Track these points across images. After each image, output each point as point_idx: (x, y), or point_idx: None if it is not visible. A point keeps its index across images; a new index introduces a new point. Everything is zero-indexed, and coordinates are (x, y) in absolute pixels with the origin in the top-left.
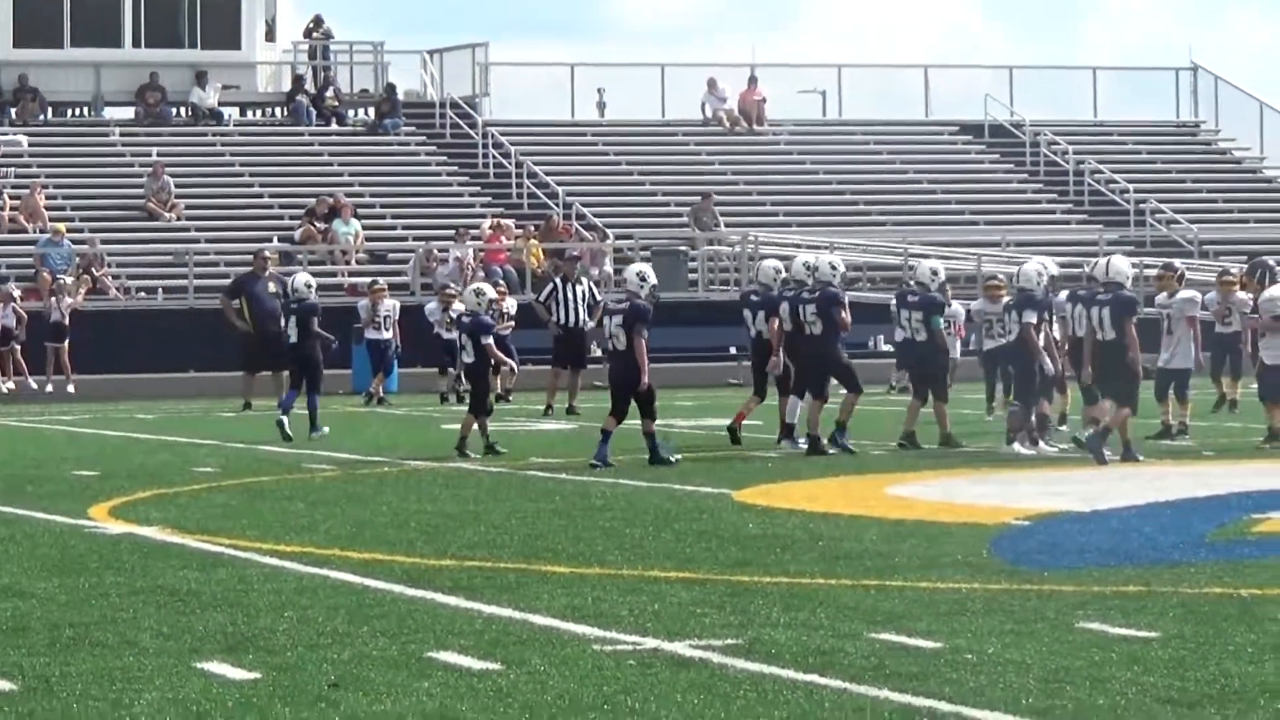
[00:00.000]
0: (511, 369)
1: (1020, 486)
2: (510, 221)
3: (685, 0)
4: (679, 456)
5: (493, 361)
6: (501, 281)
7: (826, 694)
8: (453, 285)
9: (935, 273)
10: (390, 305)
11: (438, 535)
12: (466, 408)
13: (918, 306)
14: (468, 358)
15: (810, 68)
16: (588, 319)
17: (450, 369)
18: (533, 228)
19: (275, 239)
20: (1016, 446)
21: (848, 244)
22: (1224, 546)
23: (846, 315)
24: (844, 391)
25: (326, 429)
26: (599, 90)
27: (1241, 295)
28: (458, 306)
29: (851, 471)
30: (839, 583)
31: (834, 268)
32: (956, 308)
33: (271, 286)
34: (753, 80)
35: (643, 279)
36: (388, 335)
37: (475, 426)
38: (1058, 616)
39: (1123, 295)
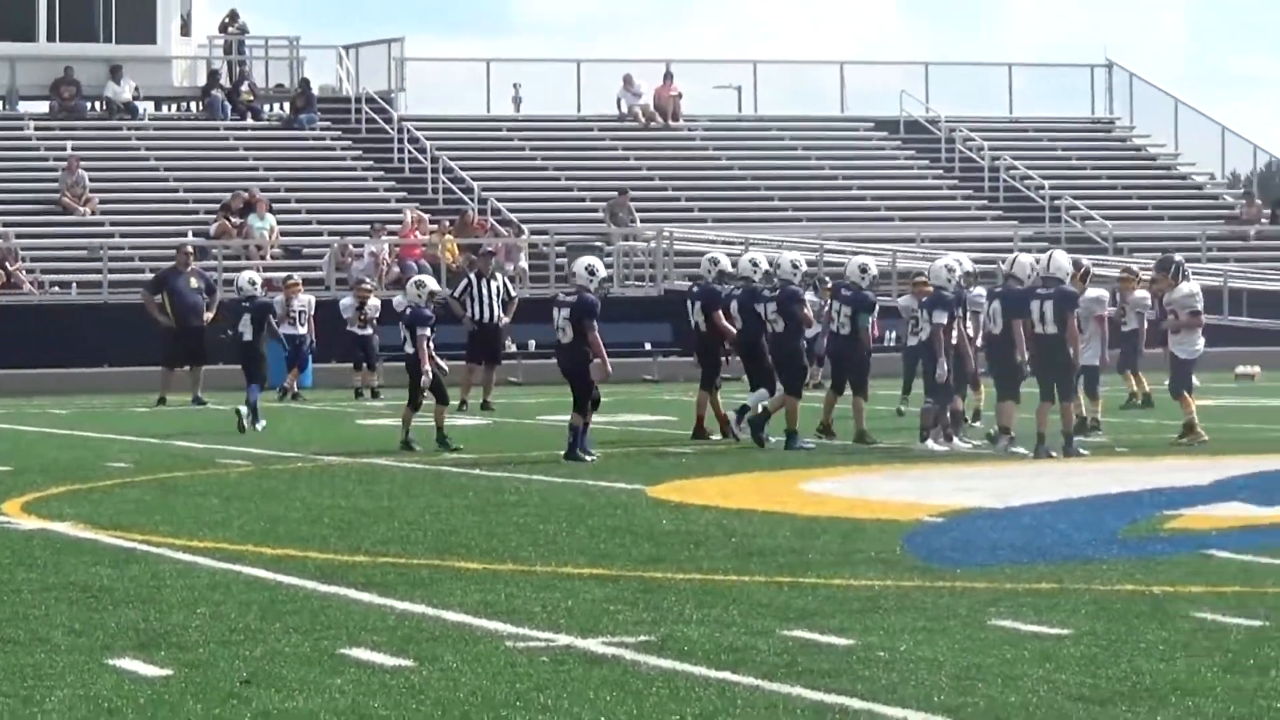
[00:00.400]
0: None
1: (933, 483)
2: (426, 216)
3: None
4: (595, 455)
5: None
6: (365, 280)
7: (739, 691)
8: (368, 281)
9: (864, 269)
10: (305, 300)
11: (351, 531)
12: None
13: (849, 301)
14: (409, 349)
15: (726, 64)
16: (502, 314)
17: (365, 364)
18: (448, 223)
19: (190, 234)
20: (930, 443)
21: (763, 240)
22: (1136, 543)
23: (808, 312)
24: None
25: (265, 422)
26: (515, 86)
27: (1139, 294)
28: (373, 302)
29: (766, 467)
30: (752, 579)
31: (795, 265)
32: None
33: (193, 281)
34: (668, 76)
35: (592, 272)
36: (302, 330)
37: (432, 418)
38: (970, 613)
39: (1065, 290)
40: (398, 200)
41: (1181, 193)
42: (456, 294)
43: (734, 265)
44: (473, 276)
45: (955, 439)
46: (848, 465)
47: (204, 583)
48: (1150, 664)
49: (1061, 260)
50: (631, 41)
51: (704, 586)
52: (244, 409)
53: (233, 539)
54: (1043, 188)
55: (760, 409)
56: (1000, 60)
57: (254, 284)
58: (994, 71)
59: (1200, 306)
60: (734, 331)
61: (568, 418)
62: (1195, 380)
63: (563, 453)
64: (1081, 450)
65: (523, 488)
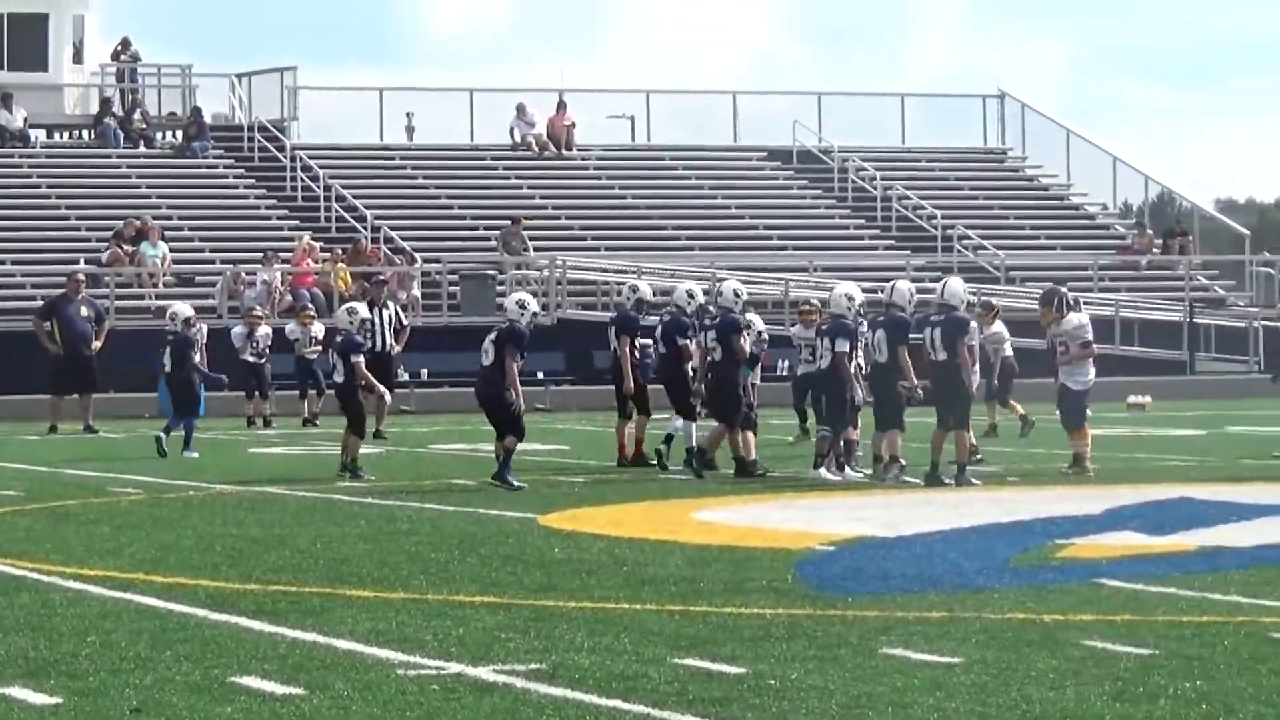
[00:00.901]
0: (381, 395)
1: (825, 512)
2: (318, 245)
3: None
4: (523, 484)
5: (362, 382)
6: (309, 305)
7: (629, 719)
8: (258, 308)
9: (737, 294)
10: (197, 329)
11: (242, 559)
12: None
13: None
14: (338, 377)
15: (619, 93)
16: (394, 343)
17: (257, 393)
18: (340, 251)
19: (82, 261)
20: (823, 471)
21: (656, 269)
22: (1027, 572)
23: (745, 343)
24: (714, 422)
25: (196, 453)
26: (408, 114)
27: (996, 328)
28: (264, 330)
29: (658, 496)
30: (643, 607)
31: (737, 295)
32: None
33: (84, 310)
34: (561, 105)
35: (522, 306)
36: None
37: (355, 443)
38: (861, 642)
39: (956, 317)
40: (290, 228)
41: (1074, 223)
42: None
43: (667, 294)
44: (365, 305)
45: (848, 468)
46: (739, 495)
47: (95, 611)
48: (1040, 692)
49: (956, 287)
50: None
51: (595, 615)
52: (163, 435)
53: (124, 567)
54: (935, 217)
55: (696, 446)
56: (893, 90)
57: (175, 318)
58: (886, 102)
59: (1090, 337)
60: (629, 364)
61: (459, 446)
62: (1088, 411)
63: (491, 475)
64: (974, 480)
65: (415, 516)
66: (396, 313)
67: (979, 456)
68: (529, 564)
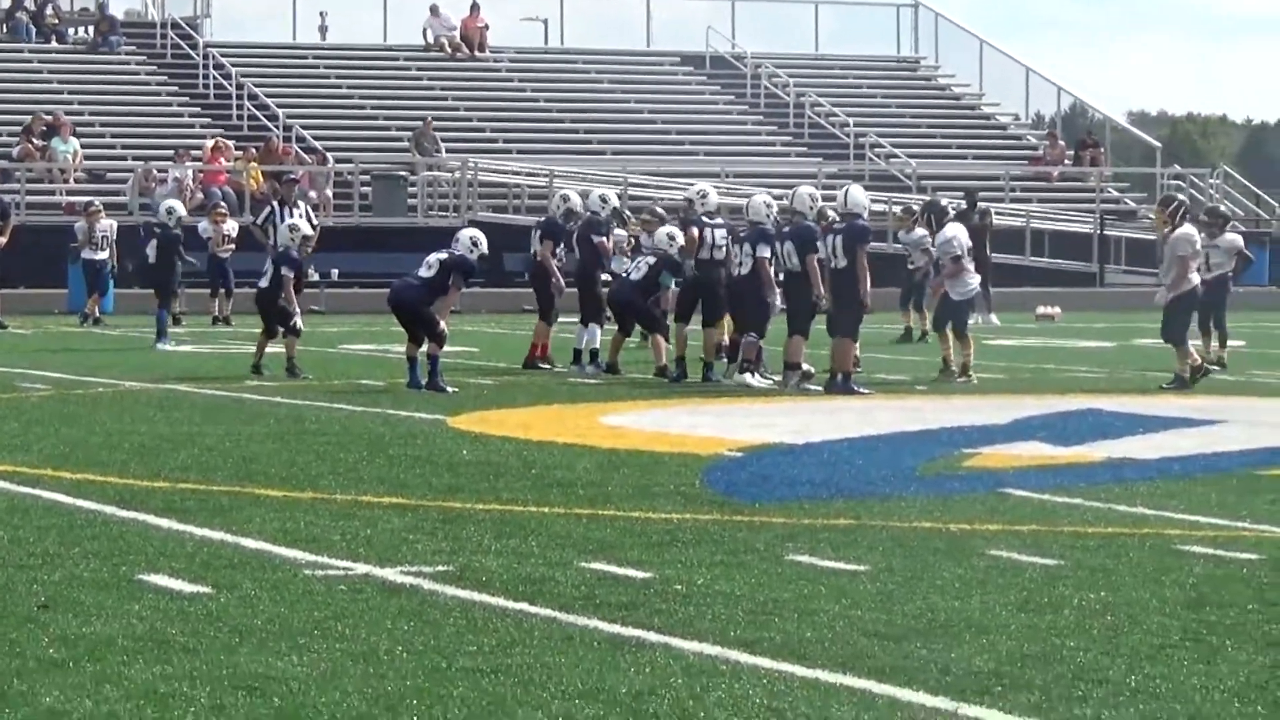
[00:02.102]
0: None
1: (734, 418)
2: (230, 143)
3: None
4: (455, 388)
5: (283, 299)
6: (221, 204)
7: (536, 622)
8: (223, 205)
9: (768, 205)
10: (107, 225)
11: (151, 457)
12: (260, 330)
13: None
14: (263, 283)
15: None
16: None
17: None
18: (252, 150)
19: None
20: (749, 378)
21: (568, 172)
22: (933, 481)
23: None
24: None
25: (172, 344)
26: (321, 14)
27: (918, 232)
28: (229, 225)
29: (567, 400)
30: (551, 511)
31: (768, 206)
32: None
33: None
34: (475, 7)
35: (474, 244)
36: (104, 255)
37: (284, 348)
38: (767, 548)
39: (855, 225)
40: (202, 126)
41: (986, 133)
42: (259, 221)
43: (584, 200)
44: (275, 204)
45: (757, 374)
46: (648, 399)
47: (2, 506)
48: (945, 601)
49: (857, 195)
50: None
51: (503, 517)
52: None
53: (31, 463)
54: (848, 125)
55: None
56: None
57: (171, 212)
58: (800, 8)
59: (960, 251)
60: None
61: (368, 347)
62: (995, 320)
63: (420, 381)
64: (861, 389)
65: (323, 416)
66: (307, 212)
67: (859, 369)
68: (437, 465)
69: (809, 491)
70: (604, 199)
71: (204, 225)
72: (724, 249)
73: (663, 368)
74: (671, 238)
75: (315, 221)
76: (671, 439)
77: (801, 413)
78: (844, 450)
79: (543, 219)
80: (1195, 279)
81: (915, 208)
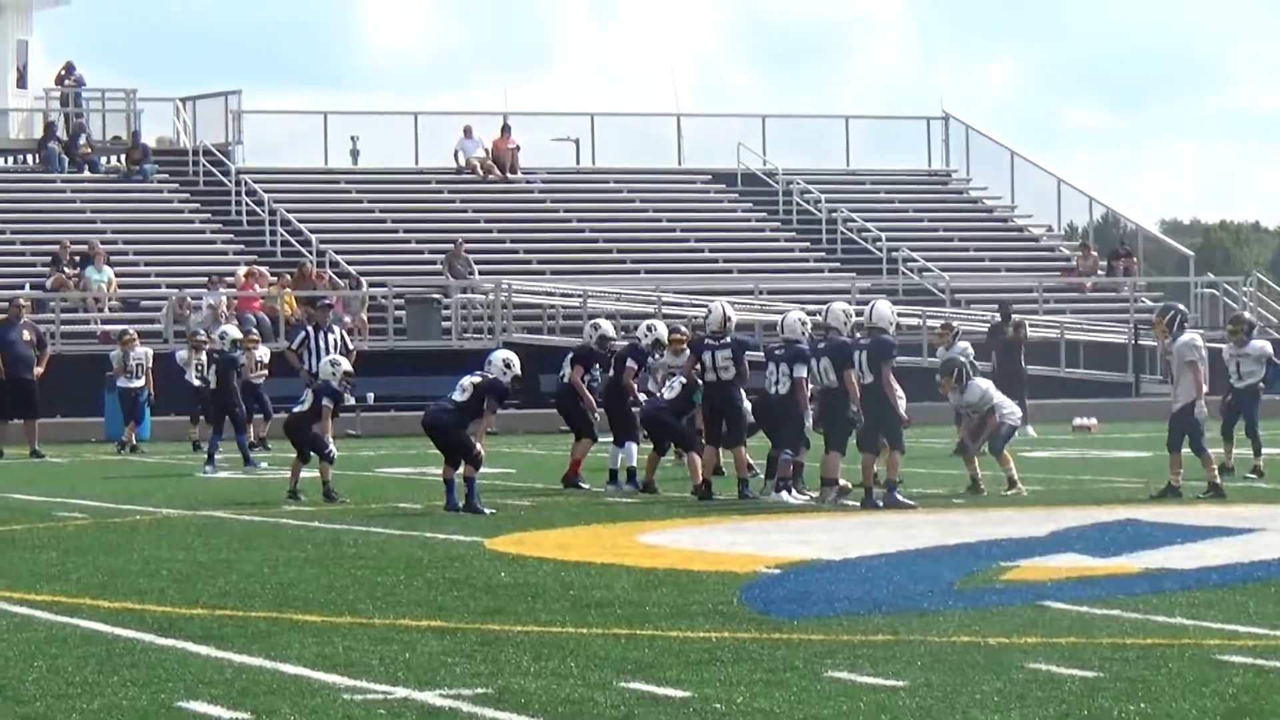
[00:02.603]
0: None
1: (772, 535)
2: (264, 269)
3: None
4: (493, 510)
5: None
6: (254, 330)
7: None
8: (203, 332)
9: (803, 323)
10: (142, 353)
11: (189, 584)
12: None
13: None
14: (298, 408)
15: (563, 116)
16: None
17: (201, 416)
18: (286, 275)
19: (28, 286)
20: (785, 495)
21: (601, 292)
22: (973, 594)
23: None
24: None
25: (265, 463)
26: (352, 138)
27: (960, 345)
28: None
29: (604, 520)
30: (589, 631)
31: (803, 323)
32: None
33: (25, 334)
34: (506, 128)
35: (508, 366)
36: (139, 383)
37: (319, 473)
38: (806, 665)
39: (880, 340)
40: (235, 253)
41: (1018, 245)
42: (294, 346)
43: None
44: (310, 329)
45: (795, 491)
46: (685, 518)
47: (41, 636)
48: (985, 715)
49: (883, 310)
50: (469, 92)
51: (541, 639)
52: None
53: (70, 592)
54: (880, 240)
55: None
56: (837, 113)
57: (224, 337)
58: (831, 124)
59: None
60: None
61: (405, 470)
62: (1031, 431)
63: (457, 504)
64: (907, 501)
65: (361, 540)
66: (342, 336)
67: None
68: (475, 588)
69: (847, 607)
70: (650, 328)
71: (181, 354)
72: (729, 368)
73: (699, 485)
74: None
75: (351, 346)
76: (709, 557)
77: (840, 529)
78: (882, 566)
79: (577, 348)
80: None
81: (953, 323)
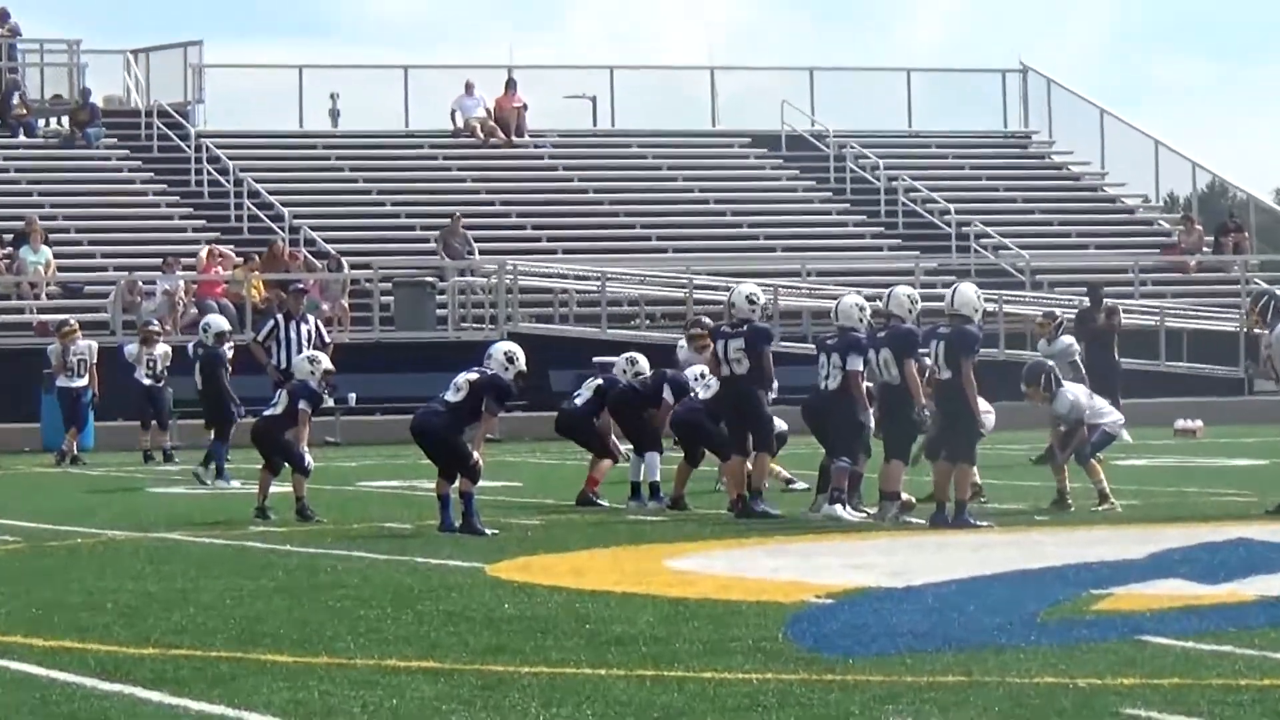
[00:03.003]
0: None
1: (822, 558)
2: (228, 248)
3: None
4: (495, 531)
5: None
6: (153, 322)
7: None
8: (156, 323)
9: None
10: (85, 347)
11: (138, 618)
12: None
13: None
14: (270, 411)
15: (578, 69)
16: None
17: (154, 421)
18: (254, 256)
19: None
20: (840, 509)
21: (622, 274)
22: (1058, 628)
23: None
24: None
25: (235, 482)
26: (332, 96)
27: (1064, 340)
28: (162, 349)
29: (626, 541)
30: (609, 673)
31: (860, 309)
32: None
33: None
34: (510, 84)
35: (510, 360)
36: (81, 382)
37: (292, 487)
38: (864, 711)
39: (962, 330)
40: (195, 230)
41: (1110, 217)
42: (260, 338)
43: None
44: (280, 318)
45: (849, 506)
46: (721, 539)
47: None
48: None
49: (968, 294)
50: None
51: (553, 682)
52: (200, 468)
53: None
54: (948, 213)
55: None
56: (897, 65)
57: (206, 329)
58: (890, 78)
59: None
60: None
61: (392, 484)
62: (1126, 436)
63: (453, 523)
64: (978, 522)
65: (341, 566)
66: (317, 327)
67: (984, 498)
68: (475, 622)
69: (912, 643)
70: (633, 360)
71: (130, 348)
72: (741, 360)
73: (735, 501)
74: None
75: (328, 339)
76: (749, 585)
77: (901, 550)
78: (952, 594)
79: (602, 381)
80: None
81: (1056, 311)
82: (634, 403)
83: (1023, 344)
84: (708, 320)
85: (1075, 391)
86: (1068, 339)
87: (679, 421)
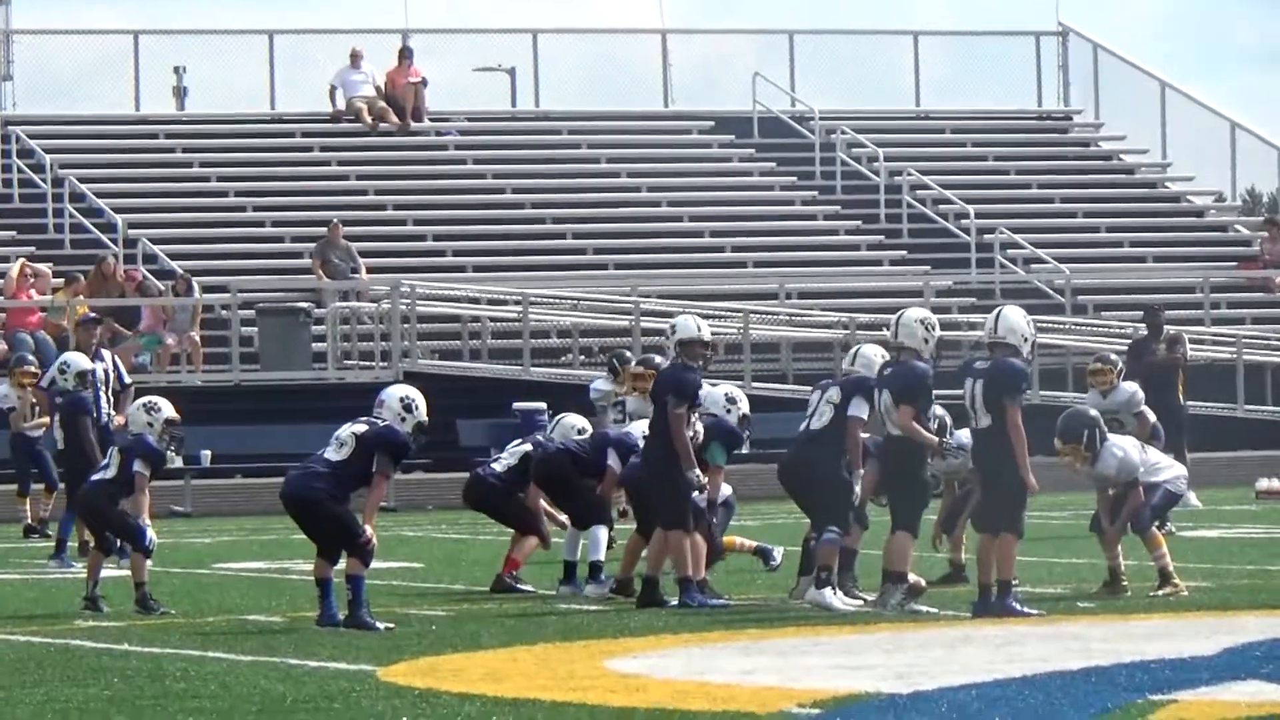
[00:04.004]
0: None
1: (806, 658)
2: (45, 266)
3: None
4: (390, 625)
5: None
6: (30, 357)
7: None
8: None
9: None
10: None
11: None
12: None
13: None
14: (105, 474)
15: (492, 34)
16: (113, 412)
17: None
18: (78, 276)
19: None
20: (828, 595)
21: (549, 298)
22: None
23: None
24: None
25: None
26: (177, 71)
27: (1126, 389)
28: None
29: (556, 637)
30: None
31: (883, 358)
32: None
33: None
34: (406, 53)
35: (408, 409)
36: None
37: (130, 572)
38: None
39: (1008, 365)
40: (3, 244)
41: (1173, 221)
42: (44, 384)
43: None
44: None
45: (839, 591)
46: (677, 633)
47: None
48: None
49: (1015, 320)
50: (351, 5)
51: None
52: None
53: None
54: (966, 216)
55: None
56: (901, 28)
57: (66, 371)
58: (893, 43)
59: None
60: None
61: (257, 565)
62: (1193, 499)
63: (335, 615)
64: (1027, 609)
65: (193, 670)
66: (115, 364)
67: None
68: None
69: None
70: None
71: (4, 391)
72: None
73: (699, 581)
74: (732, 401)
75: (127, 379)
76: (714, 692)
77: (908, 647)
78: (971, 702)
79: (531, 446)
80: None
81: (1112, 357)
82: (567, 473)
83: (1062, 383)
84: (659, 359)
85: (1123, 446)
86: (1130, 387)
87: (630, 480)
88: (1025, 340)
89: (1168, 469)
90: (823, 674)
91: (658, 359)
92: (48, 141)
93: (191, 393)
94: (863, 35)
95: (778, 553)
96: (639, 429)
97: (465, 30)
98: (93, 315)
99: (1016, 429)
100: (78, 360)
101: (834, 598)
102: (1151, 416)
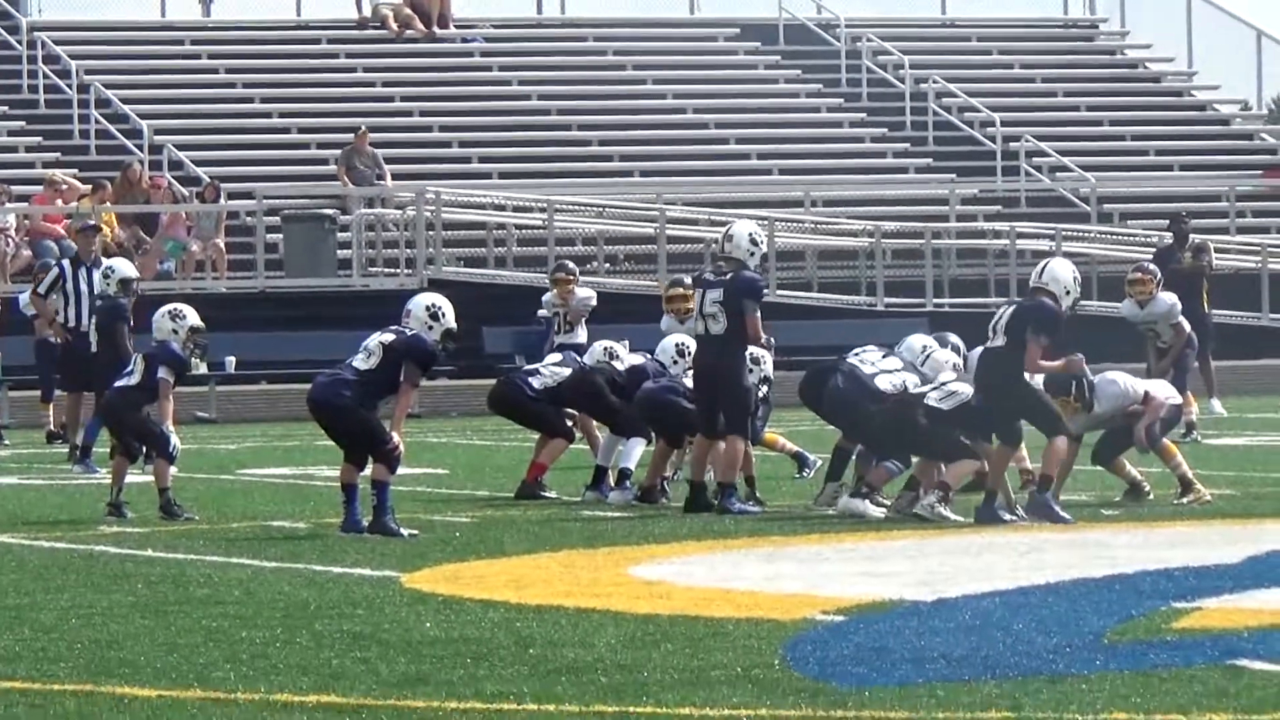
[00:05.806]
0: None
1: (829, 564)
2: (71, 173)
3: None
4: (414, 532)
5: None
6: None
7: None
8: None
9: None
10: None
11: None
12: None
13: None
14: (128, 380)
15: None
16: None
17: None
18: (104, 183)
19: None
20: (862, 504)
21: (575, 205)
22: (1130, 651)
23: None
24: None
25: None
26: None
27: (1165, 299)
28: None
29: (579, 544)
30: (559, 709)
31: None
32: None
33: None
34: None
35: (435, 317)
36: None
37: (154, 477)
38: None
39: (1040, 304)
40: (27, 149)
41: (1198, 130)
42: (41, 289)
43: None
44: (65, 264)
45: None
46: (701, 539)
47: None
48: None
49: (1061, 272)
50: None
51: (489, 719)
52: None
53: None
54: (992, 124)
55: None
56: None
57: (110, 277)
58: None
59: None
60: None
61: (283, 471)
62: (1219, 408)
63: (361, 522)
64: (1063, 514)
65: (217, 576)
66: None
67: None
68: (388, 645)
69: (944, 671)
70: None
71: (25, 297)
72: (716, 316)
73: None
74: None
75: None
76: (737, 599)
77: (931, 553)
78: (994, 609)
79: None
80: None
81: (1151, 266)
82: (604, 396)
83: (1088, 291)
84: (687, 279)
85: (1118, 385)
86: (1169, 297)
87: (646, 399)
88: (1067, 293)
89: (1161, 393)
90: (846, 580)
91: (686, 279)
92: (73, 48)
93: (216, 299)
94: None
95: (815, 461)
96: (669, 344)
97: None
98: (91, 223)
99: (1035, 365)
100: (123, 267)
101: (868, 506)
102: (1187, 326)
